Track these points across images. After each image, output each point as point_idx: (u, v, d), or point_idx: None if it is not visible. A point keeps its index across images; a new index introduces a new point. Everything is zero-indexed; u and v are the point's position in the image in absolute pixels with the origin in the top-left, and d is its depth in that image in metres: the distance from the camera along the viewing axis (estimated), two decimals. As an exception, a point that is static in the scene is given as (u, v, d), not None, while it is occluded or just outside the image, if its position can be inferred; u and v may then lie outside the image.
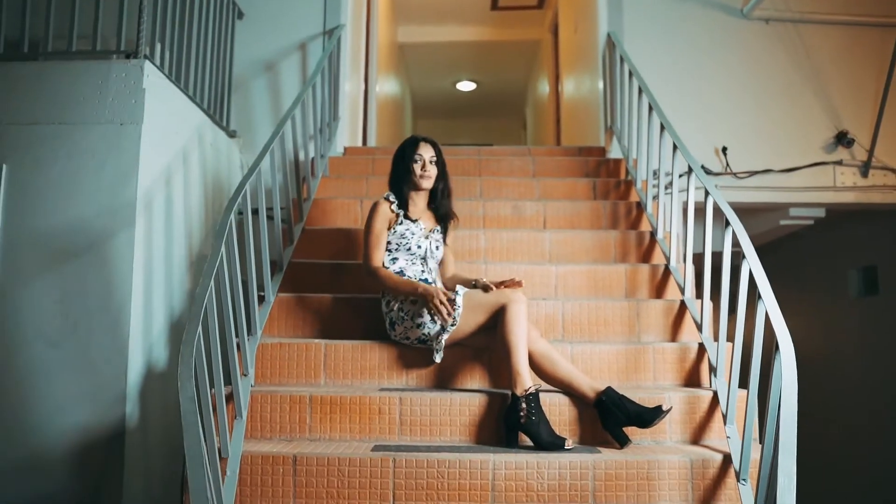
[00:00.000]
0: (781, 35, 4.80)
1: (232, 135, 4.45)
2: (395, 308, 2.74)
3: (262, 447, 2.35)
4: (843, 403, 5.76)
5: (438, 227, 2.99)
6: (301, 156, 3.88)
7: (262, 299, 3.00)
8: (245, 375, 2.59)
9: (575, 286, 3.30)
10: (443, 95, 10.99)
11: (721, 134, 4.67)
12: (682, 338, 3.03)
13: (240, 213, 2.98)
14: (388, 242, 2.86)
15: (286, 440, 2.48)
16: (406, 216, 2.89)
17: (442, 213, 2.99)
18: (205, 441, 1.87)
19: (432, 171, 2.92)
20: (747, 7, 4.77)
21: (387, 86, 7.76)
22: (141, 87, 3.15)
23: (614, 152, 4.61)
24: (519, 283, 2.67)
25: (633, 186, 4.07)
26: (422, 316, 2.65)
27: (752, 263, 2.33)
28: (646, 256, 3.57)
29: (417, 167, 2.91)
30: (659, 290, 3.31)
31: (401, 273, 2.82)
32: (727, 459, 2.27)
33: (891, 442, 5.14)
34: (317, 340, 2.81)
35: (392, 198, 2.91)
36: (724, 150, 4.58)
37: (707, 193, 2.88)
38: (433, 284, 2.84)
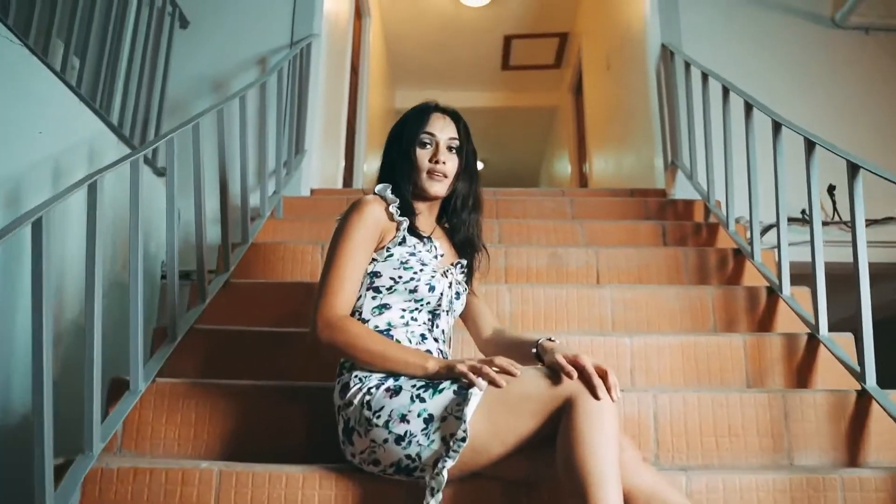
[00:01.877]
0: (887, 47, 3.69)
1: (160, 172, 3.25)
2: (357, 400, 1.42)
3: None
4: None
5: (462, 263, 1.69)
6: (236, 178, 2.66)
7: (123, 387, 1.70)
8: (40, 540, 1.27)
9: (664, 369, 1.99)
10: (447, 175, 9.91)
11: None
12: (871, 456, 1.70)
13: (163, 277, 1.85)
14: (376, 274, 1.54)
15: None
16: (413, 230, 1.59)
17: (461, 236, 1.69)
18: None
19: (451, 163, 1.62)
20: (840, 14, 3.68)
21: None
22: (-36, 42, 1.98)
23: (680, 193, 3.38)
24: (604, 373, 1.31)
25: (720, 229, 2.82)
26: (406, 419, 1.35)
27: None
28: (763, 323, 2.28)
29: (424, 155, 1.62)
30: (802, 375, 2.00)
31: (387, 335, 1.50)
32: None
33: None
34: (205, 464, 1.49)
35: (389, 194, 1.60)
36: (832, 189, 3.33)
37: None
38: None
